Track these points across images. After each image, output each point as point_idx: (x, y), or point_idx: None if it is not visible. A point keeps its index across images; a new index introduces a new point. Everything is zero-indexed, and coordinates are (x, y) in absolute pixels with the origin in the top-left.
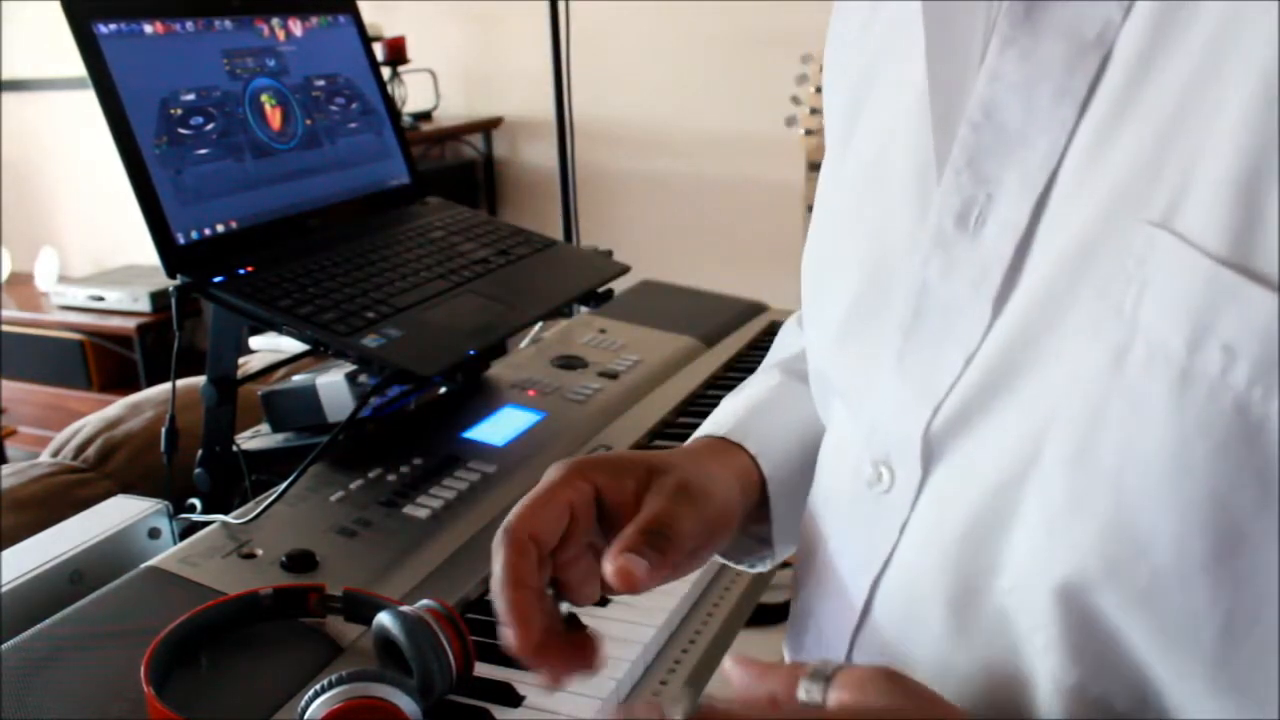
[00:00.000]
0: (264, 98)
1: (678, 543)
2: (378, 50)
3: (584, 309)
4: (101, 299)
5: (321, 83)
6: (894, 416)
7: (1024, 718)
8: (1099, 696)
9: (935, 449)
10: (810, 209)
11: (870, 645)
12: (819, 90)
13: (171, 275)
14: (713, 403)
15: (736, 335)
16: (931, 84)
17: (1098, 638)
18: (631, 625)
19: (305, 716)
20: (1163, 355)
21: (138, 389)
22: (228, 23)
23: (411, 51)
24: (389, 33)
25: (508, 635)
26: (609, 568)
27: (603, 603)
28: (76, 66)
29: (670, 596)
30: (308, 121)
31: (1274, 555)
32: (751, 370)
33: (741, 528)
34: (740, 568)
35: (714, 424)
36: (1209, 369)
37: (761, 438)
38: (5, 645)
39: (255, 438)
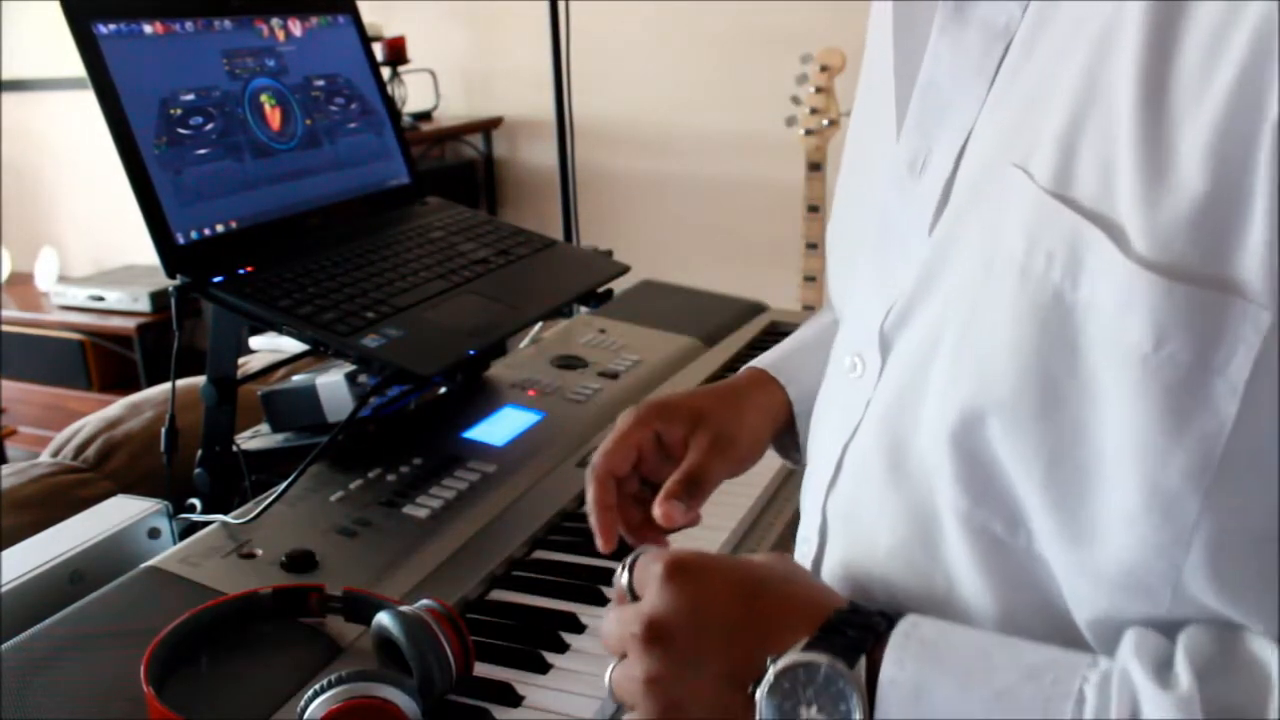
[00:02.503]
0: (264, 98)
1: (707, 488)
2: (378, 50)
3: (584, 309)
4: (101, 299)
5: (321, 83)
6: (864, 318)
7: (936, 551)
8: (983, 522)
9: (888, 340)
10: (811, 209)
11: (837, 500)
12: (819, 90)
13: (171, 275)
14: None
15: (736, 335)
16: (896, 65)
17: (978, 470)
18: None
19: (305, 716)
20: (1011, 260)
21: (138, 389)
22: (227, 23)
23: (411, 51)
24: (389, 33)
25: (598, 543)
26: (656, 510)
27: (603, 602)
28: (76, 66)
29: None
30: (307, 121)
31: (1082, 412)
32: None
33: (779, 445)
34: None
35: (762, 358)
36: (1037, 268)
37: (794, 370)
38: (5, 645)
39: (255, 438)
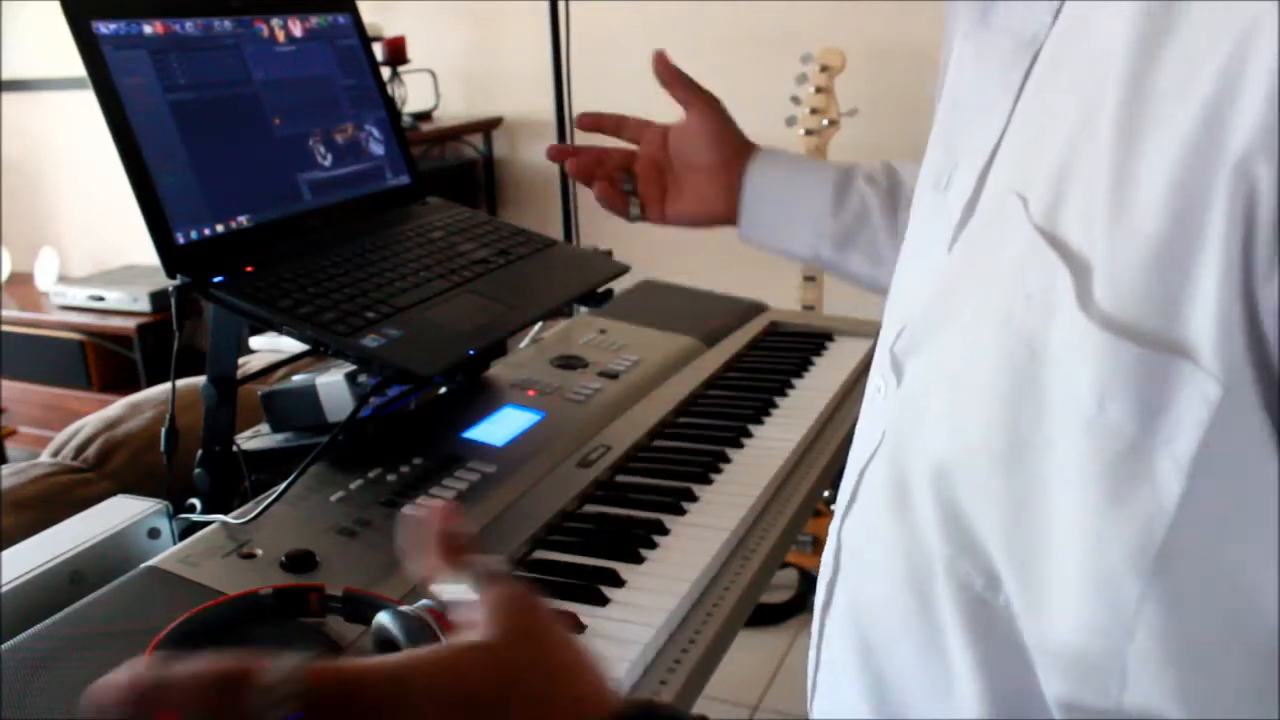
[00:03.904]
0: (264, 98)
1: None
2: (378, 50)
3: (584, 309)
4: (101, 299)
5: (321, 83)
6: (885, 337)
7: (928, 600)
8: (964, 575)
9: (899, 363)
10: None
11: (851, 528)
12: (819, 90)
13: (171, 275)
14: (713, 403)
15: (736, 335)
16: (943, 68)
17: (956, 518)
18: (631, 625)
19: None
20: (998, 300)
21: (138, 389)
22: (227, 22)
23: (411, 51)
24: (389, 33)
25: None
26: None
27: (602, 602)
28: (76, 66)
29: (670, 597)
30: (308, 121)
31: (1047, 466)
32: (751, 370)
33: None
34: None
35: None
36: (1017, 312)
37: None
38: (5, 645)
39: (255, 438)
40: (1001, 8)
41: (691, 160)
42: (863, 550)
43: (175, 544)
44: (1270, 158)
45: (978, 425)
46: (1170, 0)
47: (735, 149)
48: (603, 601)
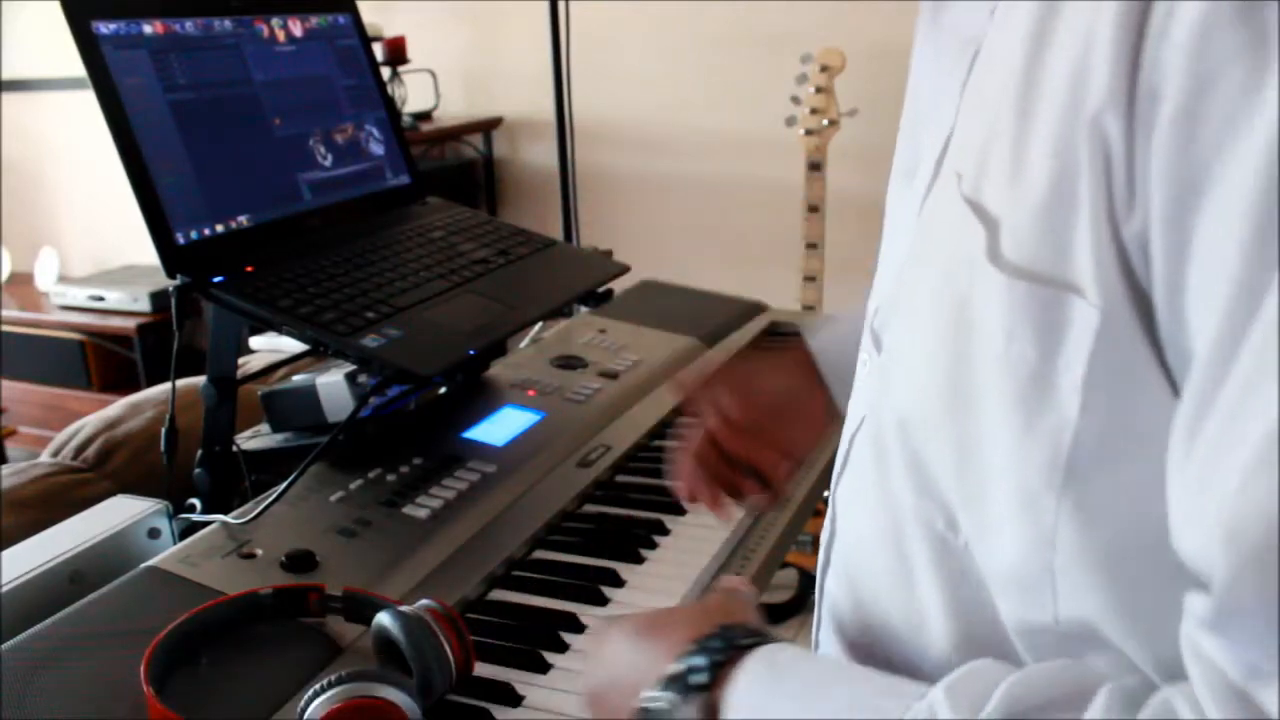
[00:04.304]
0: (264, 98)
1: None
2: (378, 50)
3: (584, 309)
4: (101, 299)
5: (320, 83)
6: (870, 315)
7: (901, 545)
8: (929, 519)
9: (878, 336)
10: (811, 209)
11: (842, 491)
12: (819, 90)
13: (171, 275)
14: None
15: (736, 335)
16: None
17: (919, 467)
18: None
19: (305, 716)
20: (940, 265)
21: (138, 389)
22: (228, 23)
23: (411, 51)
24: (389, 33)
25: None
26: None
27: (602, 602)
28: (76, 66)
29: (670, 597)
30: (308, 122)
31: (979, 408)
32: None
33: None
34: None
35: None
36: (953, 272)
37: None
38: (5, 645)
39: (255, 438)
40: (949, 8)
41: (764, 404)
42: (851, 510)
43: (175, 544)
44: (1117, 112)
45: (929, 381)
46: (1053, 1)
47: (783, 360)
48: (603, 602)
